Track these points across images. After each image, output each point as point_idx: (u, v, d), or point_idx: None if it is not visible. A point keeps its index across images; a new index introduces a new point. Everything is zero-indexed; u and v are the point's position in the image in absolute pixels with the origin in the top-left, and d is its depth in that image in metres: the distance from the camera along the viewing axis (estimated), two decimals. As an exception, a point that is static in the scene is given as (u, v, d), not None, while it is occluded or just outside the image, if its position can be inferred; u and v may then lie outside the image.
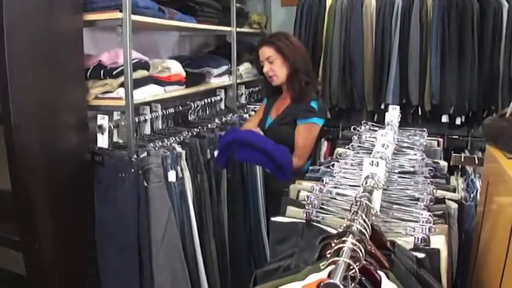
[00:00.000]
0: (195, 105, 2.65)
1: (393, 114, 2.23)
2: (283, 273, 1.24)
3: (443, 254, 1.30)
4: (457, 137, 3.23)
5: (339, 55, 3.06)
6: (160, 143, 2.17)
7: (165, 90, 2.37)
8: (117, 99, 2.08)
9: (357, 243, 0.95)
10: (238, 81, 3.14)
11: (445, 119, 2.94)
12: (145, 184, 2.05)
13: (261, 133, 2.47)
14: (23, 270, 1.87)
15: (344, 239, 0.95)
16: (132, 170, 2.01)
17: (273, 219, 1.45)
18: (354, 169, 1.79)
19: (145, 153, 2.07)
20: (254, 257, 2.78)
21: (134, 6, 2.03)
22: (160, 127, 2.44)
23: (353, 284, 0.88)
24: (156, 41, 2.90)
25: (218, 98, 2.95)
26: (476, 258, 1.56)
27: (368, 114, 3.11)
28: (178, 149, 2.20)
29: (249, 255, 2.77)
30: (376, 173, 1.37)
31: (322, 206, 1.45)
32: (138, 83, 2.14)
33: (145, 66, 2.23)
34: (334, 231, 1.32)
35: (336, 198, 1.50)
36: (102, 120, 2.04)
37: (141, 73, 2.18)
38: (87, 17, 2.01)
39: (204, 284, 2.31)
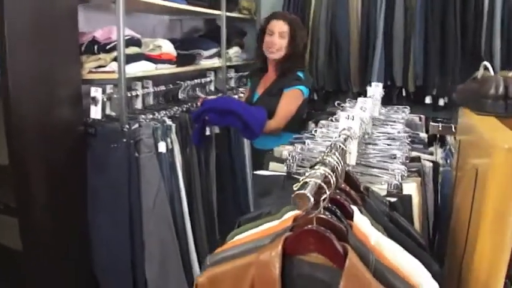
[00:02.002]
0: (185, 84, 2.74)
1: (375, 89, 2.33)
2: (264, 217, 1.32)
3: (415, 200, 1.39)
4: (441, 119, 3.32)
5: (326, 38, 3.16)
6: (151, 116, 2.25)
7: (156, 67, 2.45)
8: (110, 72, 2.16)
9: (328, 170, 1.03)
10: (228, 64, 3.23)
11: (428, 100, 3.04)
12: (136, 154, 2.14)
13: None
14: (19, 243, 1.93)
15: (317, 167, 1.03)
16: (124, 140, 2.09)
17: (255, 172, 1.55)
18: (334, 134, 1.89)
19: (136, 125, 2.15)
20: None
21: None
22: (151, 103, 2.53)
23: (321, 208, 0.95)
24: (148, 24, 2.98)
25: (208, 79, 3.03)
26: (451, 217, 1.65)
27: (354, 96, 3.20)
28: (169, 122, 2.29)
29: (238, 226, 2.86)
30: (351, 126, 1.46)
31: (303, 162, 1.55)
32: (130, 59, 2.23)
33: (137, 43, 2.31)
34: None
35: (315, 157, 1.59)
36: (96, 92, 2.12)
37: (133, 49, 2.27)
38: (82, -6, 2.10)
39: (192, 252, 2.39)
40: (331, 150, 1.20)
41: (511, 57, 2.88)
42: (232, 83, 3.36)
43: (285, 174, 1.49)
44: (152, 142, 2.15)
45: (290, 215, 1.17)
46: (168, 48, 2.52)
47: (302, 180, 1.00)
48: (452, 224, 1.60)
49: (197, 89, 2.91)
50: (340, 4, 3.14)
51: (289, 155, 1.53)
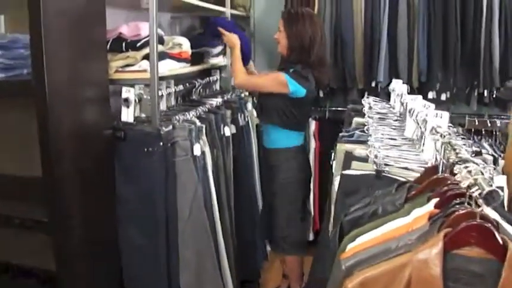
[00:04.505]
0: (198, 83, 2.64)
1: (401, 87, 2.35)
2: (370, 218, 1.29)
3: (506, 191, 1.40)
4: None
5: (330, 36, 3.14)
6: (183, 117, 2.14)
7: (179, 66, 2.34)
8: (140, 72, 2.03)
9: (478, 168, 1.04)
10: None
11: (431, 95, 3.09)
12: (172, 158, 2.02)
13: None
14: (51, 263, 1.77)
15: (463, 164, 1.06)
16: (161, 144, 1.97)
17: (344, 172, 1.51)
18: (390, 130, 1.90)
19: (170, 127, 2.03)
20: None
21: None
22: (173, 103, 2.41)
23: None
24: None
25: (214, 78, 2.94)
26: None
27: (359, 93, 3.22)
28: (199, 123, 2.19)
29: (253, 227, 2.82)
30: (441, 125, 1.46)
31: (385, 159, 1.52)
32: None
33: (161, 41, 2.19)
34: (403, 180, 1.41)
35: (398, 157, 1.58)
36: (128, 93, 1.99)
37: (159, 47, 2.14)
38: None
39: (223, 258, 2.31)
40: (454, 149, 1.20)
41: (508, 54, 2.97)
42: (232, 82, 3.27)
43: (373, 173, 1.46)
44: (188, 144, 2.04)
45: (420, 212, 1.16)
46: (187, 46, 2.40)
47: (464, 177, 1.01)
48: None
49: (207, 89, 2.81)
50: (344, 2, 3.13)
51: (374, 155, 1.49)
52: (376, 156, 1.49)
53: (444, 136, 1.31)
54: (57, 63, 1.68)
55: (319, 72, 2.61)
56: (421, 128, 1.61)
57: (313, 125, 3.34)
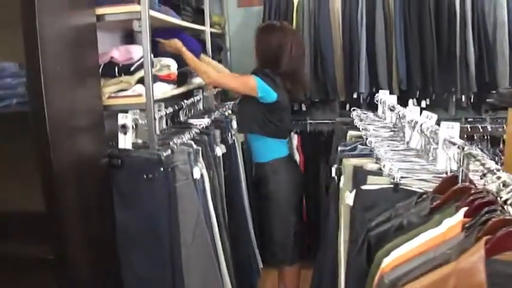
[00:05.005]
0: (185, 104, 2.59)
1: (391, 98, 2.38)
2: (397, 231, 1.30)
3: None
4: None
5: (310, 50, 3.16)
6: (179, 140, 2.10)
7: (170, 89, 2.30)
8: (135, 96, 1.98)
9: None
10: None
11: (411, 103, 3.14)
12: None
13: None
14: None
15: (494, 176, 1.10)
16: (161, 169, 1.92)
17: (362, 187, 1.51)
18: (388, 142, 1.92)
19: (169, 151, 1.99)
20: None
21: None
22: (164, 127, 2.35)
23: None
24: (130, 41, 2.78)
25: (198, 97, 2.90)
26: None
27: (340, 105, 3.25)
28: (195, 145, 2.15)
29: (245, 244, 2.81)
30: (453, 136, 1.48)
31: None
32: (148, 81, 2.05)
33: (151, 63, 2.14)
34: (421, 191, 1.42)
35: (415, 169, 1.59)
36: (125, 119, 1.93)
37: (151, 70, 2.10)
38: (100, 11, 1.91)
39: (227, 282, 2.27)
40: (478, 160, 1.23)
41: (483, 59, 3.07)
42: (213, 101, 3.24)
43: (391, 187, 1.46)
44: (188, 168, 2.00)
45: (452, 221, 1.18)
46: (174, 67, 2.37)
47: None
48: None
49: (192, 110, 2.77)
50: (321, 16, 3.16)
51: (385, 168, 1.50)
52: (391, 169, 1.49)
53: (463, 148, 1.33)
54: (55, 93, 1.63)
55: (290, 84, 2.59)
56: (429, 139, 1.63)
57: (295, 139, 3.34)
